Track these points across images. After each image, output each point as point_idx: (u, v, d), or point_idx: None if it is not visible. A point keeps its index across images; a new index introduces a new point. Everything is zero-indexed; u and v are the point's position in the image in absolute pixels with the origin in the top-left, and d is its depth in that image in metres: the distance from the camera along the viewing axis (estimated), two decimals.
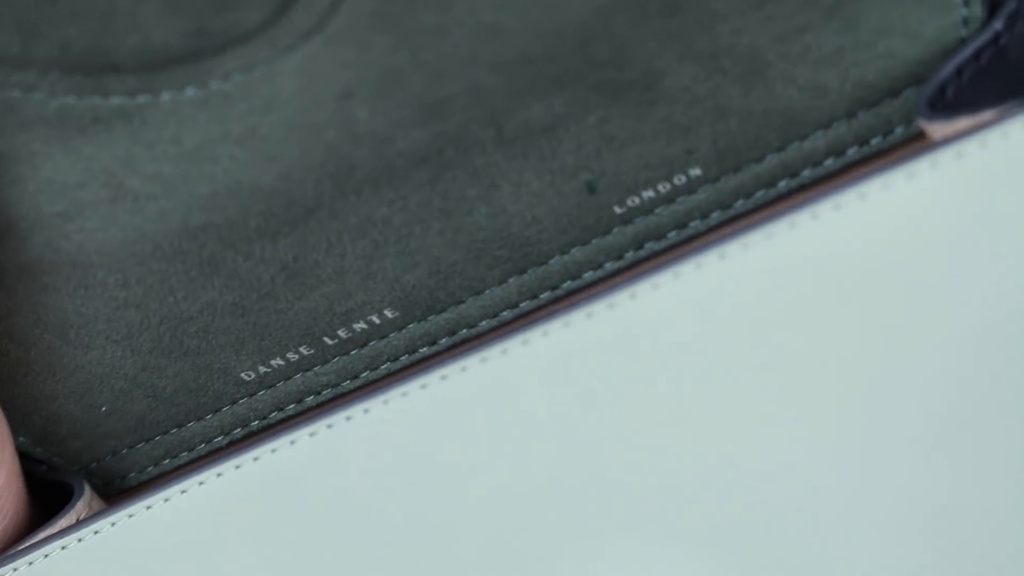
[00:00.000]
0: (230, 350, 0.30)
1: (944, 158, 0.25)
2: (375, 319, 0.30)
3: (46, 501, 0.33)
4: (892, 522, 0.26)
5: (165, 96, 0.26)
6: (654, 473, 0.27)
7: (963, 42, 0.27)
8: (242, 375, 0.31)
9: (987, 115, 0.25)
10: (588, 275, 0.30)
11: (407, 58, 0.26)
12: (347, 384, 0.31)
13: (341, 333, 0.30)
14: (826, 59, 0.27)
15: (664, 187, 0.29)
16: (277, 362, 0.31)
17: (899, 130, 0.28)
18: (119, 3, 0.25)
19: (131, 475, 0.33)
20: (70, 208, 0.28)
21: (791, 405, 0.26)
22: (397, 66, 0.26)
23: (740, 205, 0.29)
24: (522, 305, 0.30)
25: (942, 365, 0.25)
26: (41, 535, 0.30)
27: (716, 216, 0.29)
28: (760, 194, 0.29)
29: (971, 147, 0.25)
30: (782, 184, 0.29)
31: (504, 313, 0.30)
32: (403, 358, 0.31)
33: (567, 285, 0.30)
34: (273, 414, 0.32)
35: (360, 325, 0.30)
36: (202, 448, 0.32)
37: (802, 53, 0.27)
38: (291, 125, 0.27)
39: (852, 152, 0.28)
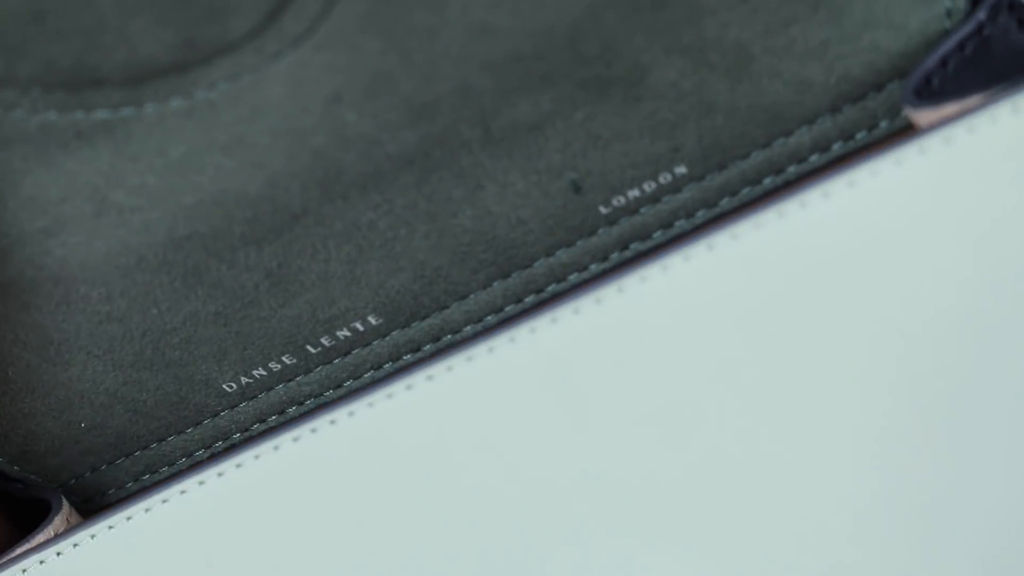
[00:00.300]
0: (212, 360, 0.30)
1: (932, 144, 0.25)
2: (358, 326, 0.30)
3: (23, 520, 0.32)
4: (888, 518, 0.26)
5: (149, 108, 0.26)
6: (646, 469, 0.26)
7: (947, 34, 0.27)
8: (224, 386, 0.30)
9: (974, 100, 0.25)
10: (573, 277, 0.30)
11: (397, 60, 0.26)
12: (330, 394, 0.31)
13: (324, 341, 0.30)
14: (811, 52, 0.27)
15: (649, 186, 0.29)
16: (259, 372, 0.30)
17: (883, 124, 0.28)
18: (108, 19, 0.24)
19: (111, 492, 0.32)
20: (52, 224, 0.27)
21: (785, 397, 0.26)
22: (387, 68, 0.26)
23: (725, 203, 0.29)
24: (507, 309, 0.30)
25: (936, 352, 0.25)
26: (19, 550, 0.29)
27: (701, 215, 0.29)
28: (745, 191, 0.29)
29: (959, 132, 0.24)
30: (767, 181, 0.29)
31: (488, 318, 0.30)
32: (387, 366, 0.31)
33: (552, 288, 0.30)
34: (255, 426, 0.31)
35: (343, 332, 0.30)
36: (183, 463, 0.32)
37: (787, 46, 0.27)
38: (278, 131, 0.26)
39: (837, 147, 0.28)
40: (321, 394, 0.31)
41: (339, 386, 0.31)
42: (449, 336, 0.30)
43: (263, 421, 0.31)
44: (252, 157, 0.27)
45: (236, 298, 0.29)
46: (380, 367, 0.31)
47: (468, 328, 0.30)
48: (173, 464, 0.32)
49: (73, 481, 0.32)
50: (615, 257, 0.29)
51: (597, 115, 0.27)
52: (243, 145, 0.26)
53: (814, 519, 0.26)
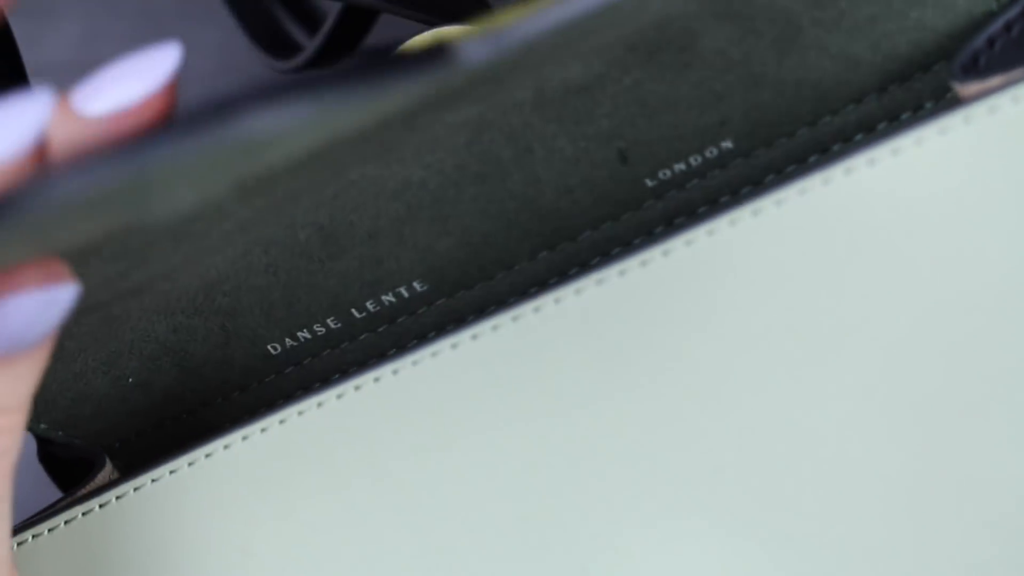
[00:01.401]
0: (259, 313, 0.30)
1: (977, 113, 0.25)
2: (404, 292, 0.30)
3: (65, 480, 0.33)
4: (934, 496, 0.26)
5: None
6: (686, 432, 0.26)
7: (993, 15, 0.27)
8: (269, 347, 0.31)
9: (1019, 72, 0.25)
10: (618, 252, 0.30)
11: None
12: (374, 363, 0.31)
13: (369, 306, 0.30)
14: (859, 28, 0.27)
15: (696, 160, 0.29)
16: (304, 335, 0.31)
17: (929, 105, 0.28)
18: None
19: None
20: None
21: (829, 364, 0.26)
22: None
23: (771, 180, 0.29)
24: (551, 282, 0.30)
25: (981, 321, 0.25)
26: (62, 502, 0.29)
27: (746, 191, 0.29)
28: (790, 169, 0.29)
29: (1004, 102, 0.25)
30: (812, 159, 0.29)
31: (532, 290, 0.30)
32: (430, 336, 0.31)
33: (596, 261, 0.30)
34: (299, 394, 0.32)
35: (389, 298, 0.30)
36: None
37: (836, 19, 0.27)
38: None
39: (882, 127, 0.29)
40: (365, 362, 0.31)
41: (383, 355, 0.31)
42: (493, 307, 0.31)
43: (307, 389, 0.32)
44: None
45: (286, 248, 0.29)
46: (424, 337, 0.31)
47: (512, 300, 0.31)
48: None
49: (118, 444, 0.32)
50: (660, 232, 0.30)
51: (646, 80, 0.28)
52: None
53: (862, 497, 0.26)
